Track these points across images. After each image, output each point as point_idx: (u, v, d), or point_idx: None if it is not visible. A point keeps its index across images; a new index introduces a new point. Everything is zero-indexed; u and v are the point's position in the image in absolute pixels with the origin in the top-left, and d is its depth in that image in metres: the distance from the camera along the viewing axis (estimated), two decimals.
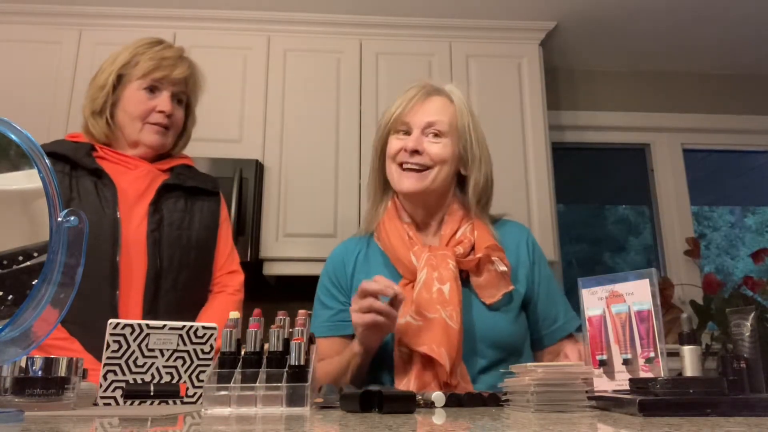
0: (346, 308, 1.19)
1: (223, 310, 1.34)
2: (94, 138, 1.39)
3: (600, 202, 3.38)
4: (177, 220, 1.37)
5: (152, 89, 1.37)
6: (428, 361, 1.05)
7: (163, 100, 1.38)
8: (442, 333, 1.04)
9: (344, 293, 1.23)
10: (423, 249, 1.16)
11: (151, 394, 0.89)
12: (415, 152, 1.16)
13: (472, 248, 1.17)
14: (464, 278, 1.15)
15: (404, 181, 1.17)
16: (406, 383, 1.05)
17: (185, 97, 1.45)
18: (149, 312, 1.27)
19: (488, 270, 1.15)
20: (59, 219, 0.64)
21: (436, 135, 1.18)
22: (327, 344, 1.17)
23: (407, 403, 0.74)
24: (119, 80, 1.38)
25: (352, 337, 1.15)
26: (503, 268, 1.14)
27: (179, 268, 1.34)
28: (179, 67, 1.39)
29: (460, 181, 1.24)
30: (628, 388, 0.80)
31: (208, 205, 1.45)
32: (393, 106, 1.23)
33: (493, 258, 1.15)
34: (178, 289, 1.32)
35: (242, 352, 0.84)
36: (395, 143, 1.20)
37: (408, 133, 1.20)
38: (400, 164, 1.18)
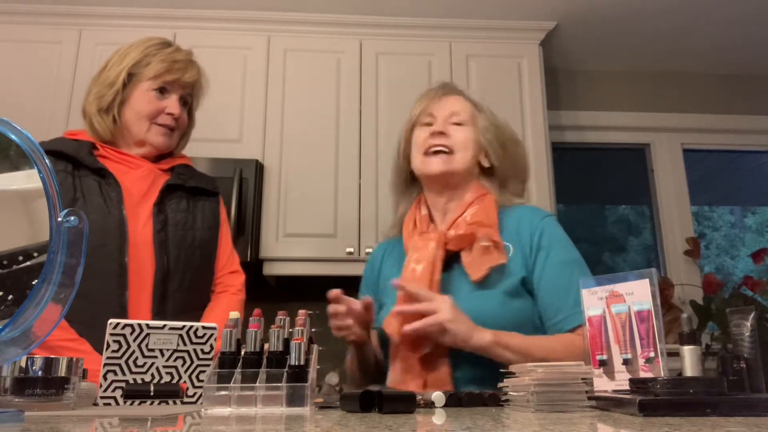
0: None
1: (228, 311, 1.34)
2: (99, 135, 1.38)
3: (600, 202, 3.38)
4: (181, 220, 1.37)
5: (162, 90, 1.39)
6: (411, 345, 1.08)
7: (172, 102, 1.39)
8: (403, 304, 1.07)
9: (371, 289, 1.34)
10: (413, 233, 1.23)
11: (151, 394, 0.89)
12: (441, 134, 1.24)
13: None
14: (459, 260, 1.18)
15: (430, 164, 1.24)
16: (393, 371, 1.12)
17: (190, 100, 1.46)
18: (158, 313, 1.26)
19: (477, 247, 1.15)
20: (59, 219, 0.64)
21: (457, 123, 1.27)
22: None
23: (407, 403, 0.74)
24: (129, 79, 1.38)
25: (376, 329, 1.25)
26: (486, 243, 1.14)
27: (185, 268, 1.34)
28: (190, 71, 1.41)
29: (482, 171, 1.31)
30: (628, 388, 0.80)
31: (209, 205, 1.46)
32: (417, 105, 1.33)
33: (478, 235, 1.15)
34: (184, 290, 1.33)
35: (242, 352, 0.84)
36: (421, 134, 1.28)
37: (432, 124, 1.28)
38: (426, 152, 1.25)
